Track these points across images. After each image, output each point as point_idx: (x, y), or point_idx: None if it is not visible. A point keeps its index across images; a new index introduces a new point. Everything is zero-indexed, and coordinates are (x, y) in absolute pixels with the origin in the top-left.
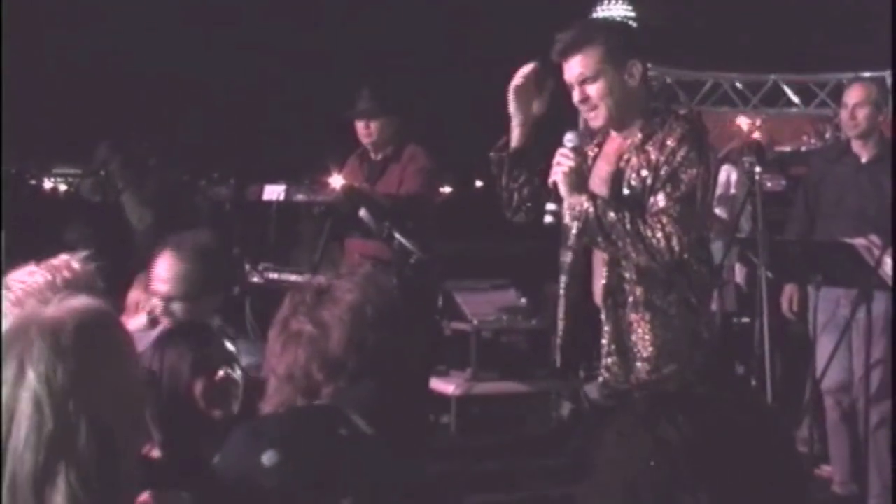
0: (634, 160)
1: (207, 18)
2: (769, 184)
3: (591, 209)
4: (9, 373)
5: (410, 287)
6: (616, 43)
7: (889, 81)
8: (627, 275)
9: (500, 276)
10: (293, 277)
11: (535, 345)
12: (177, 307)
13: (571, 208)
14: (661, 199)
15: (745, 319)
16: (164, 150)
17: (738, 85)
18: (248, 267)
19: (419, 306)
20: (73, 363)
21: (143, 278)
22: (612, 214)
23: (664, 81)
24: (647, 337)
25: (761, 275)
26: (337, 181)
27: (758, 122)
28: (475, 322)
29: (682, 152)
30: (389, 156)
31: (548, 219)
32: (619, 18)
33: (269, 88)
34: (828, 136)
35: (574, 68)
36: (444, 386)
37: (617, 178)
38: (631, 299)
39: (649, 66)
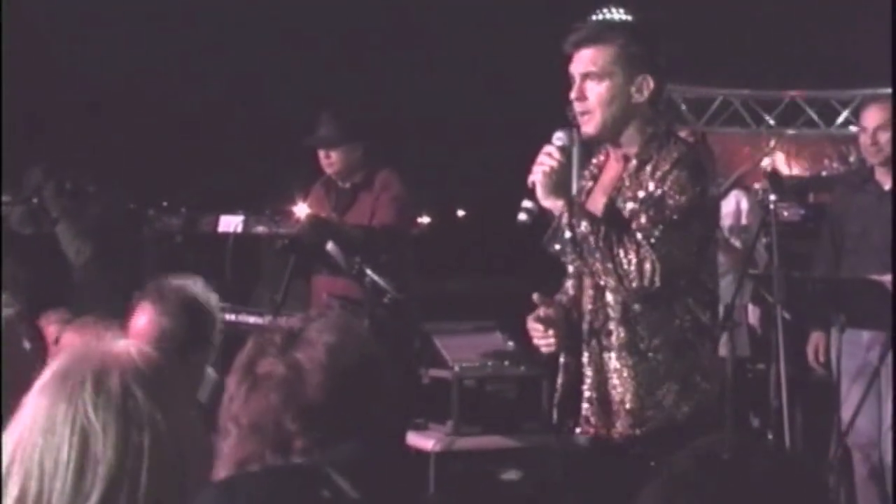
0: (628, 187)
1: (158, 29)
2: (786, 213)
3: (565, 215)
4: (58, 414)
5: (384, 330)
6: (635, 50)
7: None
8: (613, 313)
9: (485, 317)
10: (252, 319)
11: (525, 394)
12: None
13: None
14: (641, 220)
15: (760, 366)
16: (106, 174)
17: (751, 102)
18: None
19: (394, 351)
20: (123, 404)
21: (87, 322)
22: (585, 224)
23: (667, 98)
24: (628, 385)
25: (777, 316)
26: (301, 211)
27: (772, 143)
28: (457, 369)
29: (672, 176)
30: (359, 183)
31: (522, 216)
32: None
33: (226, 107)
34: (852, 159)
35: (583, 61)
36: (423, 441)
37: (609, 206)
38: (615, 342)
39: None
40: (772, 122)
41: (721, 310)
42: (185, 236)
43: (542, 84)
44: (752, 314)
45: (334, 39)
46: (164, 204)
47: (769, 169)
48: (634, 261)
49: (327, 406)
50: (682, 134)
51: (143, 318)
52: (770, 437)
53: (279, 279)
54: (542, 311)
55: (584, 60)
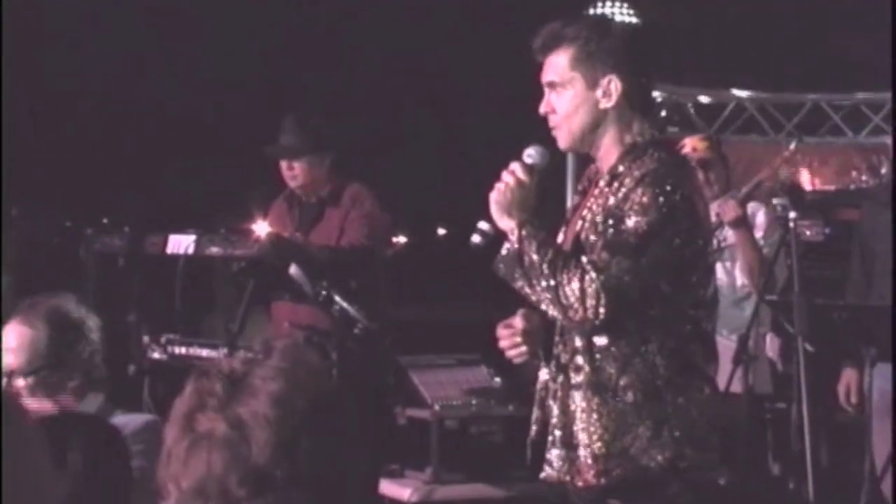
0: (597, 206)
1: (100, 28)
2: (808, 232)
3: (514, 238)
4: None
5: (354, 364)
6: (594, 48)
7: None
8: (580, 346)
9: (469, 349)
10: (205, 353)
11: (513, 437)
12: (20, 384)
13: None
14: (595, 245)
15: (781, 405)
16: (33, 194)
17: (769, 107)
18: (146, 339)
19: (366, 388)
20: None
21: None
22: (534, 248)
23: (675, 103)
24: (594, 428)
25: (799, 348)
26: (261, 229)
27: (791, 146)
28: (436, 408)
29: (634, 194)
30: (326, 198)
31: (475, 238)
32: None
33: (175, 113)
34: (884, 170)
35: (546, 70)
36: (398, 490)
37: (587, 228)
38: (581, 379)
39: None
40: (792, 128)
41: (735, 340)
42: (129, 258)
43: (534, 92)
44: (771, 346)
45: (298, 38)
46: (105, 221)
47: (788, 182)
48: (577, 289)
49: (277, 465)
50: (695, 139)
51: (10, 333)
52: (791, 485)
53: (235, 307)
54: (518, 321)
55: (546, 69)
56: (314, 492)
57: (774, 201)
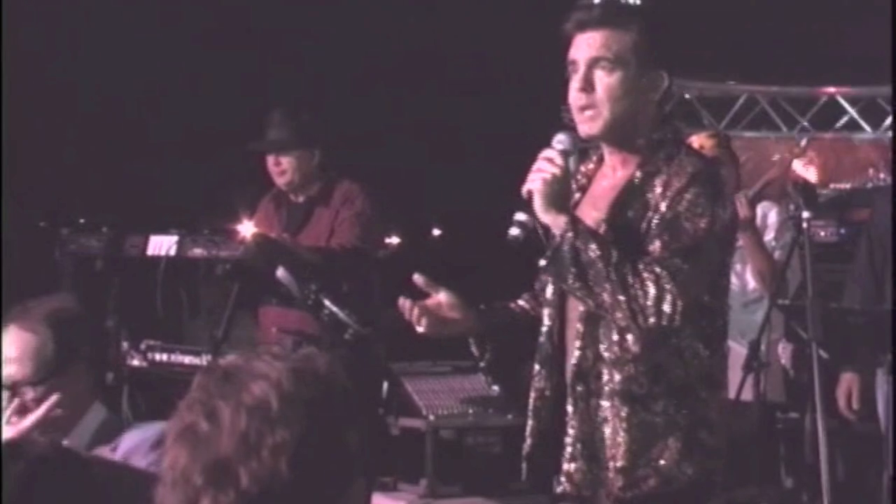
0: (630, 205)
1: (73, 23)
2: (822, 233)
3: (570, 235)
4: None
5: (345, 371)
6: (653, 40)
7: None
8: (606, 353)
9: (465, 356)
10: (188, 360)
11: (511, 448)
12: (29, 395)
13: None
14: (655, 247)
15: (794, 414)
16: (3, 191)
17: (781, 101)
18: (126, 346)
19: (357, 397)
20: None
21: None
22: (593, 248)
23: (681, 98)
24: (621, 439)
25: (813, 355)
26: (247, 230)
27: (803, 143)
28: (431, 418)
29: (688, 195)
30: (315, 197)
31: (514, 231)
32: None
33: (156, 107)
34: None
35: (592, 44)
36: None
37: (608, 226)
38: (607, 387)
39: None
40: (806, 124)
41: (746, 346)
42: (108, 260)
43: (532, 88)
44: (784, 352)
45: (287, 29)
46: (82, 221)
47: (801, 179)
48: (652, 295)
49: (240, 463)
50: (702, 136)
51: (10, 342)
52: (805, 500)
53: (220, 312)
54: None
55: (595, 44)
56: (290, 498)
57: (786, 201)
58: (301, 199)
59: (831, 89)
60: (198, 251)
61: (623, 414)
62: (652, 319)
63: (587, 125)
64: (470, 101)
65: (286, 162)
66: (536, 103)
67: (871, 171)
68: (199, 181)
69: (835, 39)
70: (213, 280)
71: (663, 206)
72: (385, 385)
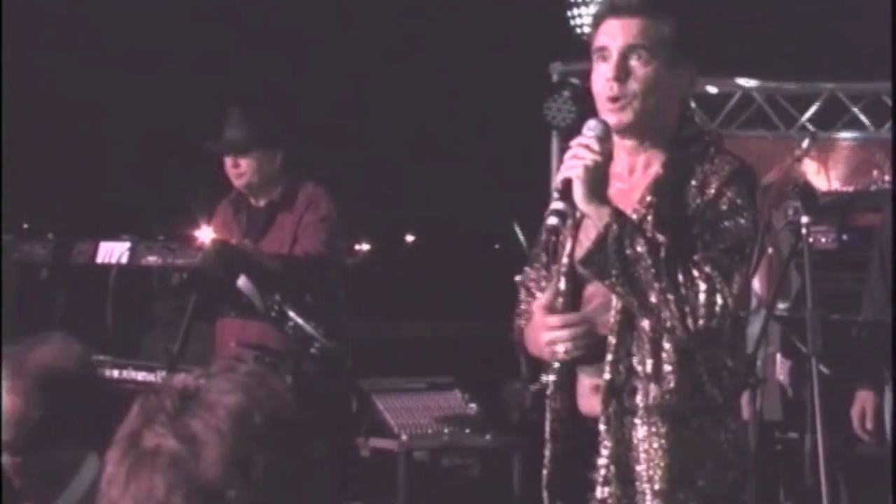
0: (662, 204)
1: (24, 25)
2: (822, 239)
3: (615, 228)
4: None
5: (312, 388)
6: (687, 36)
7: None
8: (639, 367)
9: (440, 371)
10: (141, 376)
11: (490, 470)
12: (7, 462)
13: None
14: (697, 248)
15: (793, 434)
16: None
17: (779, 98)
18: None
19: (324, 416)
20: None
21: None
22: (641, 242)
23: None
24: (660, 459)
25: (813, 370)
26: (205, 236)
27: (805, 143)
28: (404, 438)
29: (728, 194)
30: (277, 200)
31: (552, 220)
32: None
33: (105, 104)
34: None
35: (627, 31)
36: None
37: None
38: (641, 402)
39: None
40: (806, 122)
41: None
42: (54, 269)
43: (509, 89)
44: (781, 368)
45: (248, 23)
46: (26, 227)
47: (801, 183)
48: (704, 295)
49: (228, 485)
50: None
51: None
52: None
53: (176, 324)
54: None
55: (631, 31)
56: None
57: (786, 203)
58: (262, 202)
59: (832, 85)
60: (152, 259)
61: (661, 433)
62: (702, 321)
63: (616, 115)
64: (446, 104)
65: (245, 163)
66: (515, 109)
67: (874, 172)
68: (153, 184)
69: (836, 33)
70: (168, 290)
71: (702, 206)
72: (354, 403)
